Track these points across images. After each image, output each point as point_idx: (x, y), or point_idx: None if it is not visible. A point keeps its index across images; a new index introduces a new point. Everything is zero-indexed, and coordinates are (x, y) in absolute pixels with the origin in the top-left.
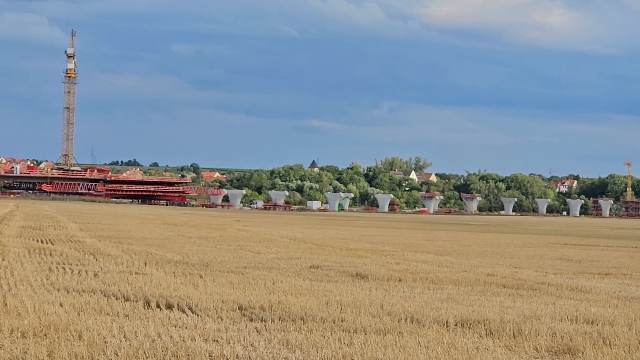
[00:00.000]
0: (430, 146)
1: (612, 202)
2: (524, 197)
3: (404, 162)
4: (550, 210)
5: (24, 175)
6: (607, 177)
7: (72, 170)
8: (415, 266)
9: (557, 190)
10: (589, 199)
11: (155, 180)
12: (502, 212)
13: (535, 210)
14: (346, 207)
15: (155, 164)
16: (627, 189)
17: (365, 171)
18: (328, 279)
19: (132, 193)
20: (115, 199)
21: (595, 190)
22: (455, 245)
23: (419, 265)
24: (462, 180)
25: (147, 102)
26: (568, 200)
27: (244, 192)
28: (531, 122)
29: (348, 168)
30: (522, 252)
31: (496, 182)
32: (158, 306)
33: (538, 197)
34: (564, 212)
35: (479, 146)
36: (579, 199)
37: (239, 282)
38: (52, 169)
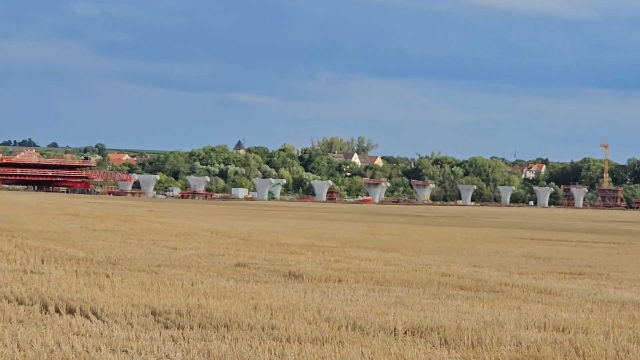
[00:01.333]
0: (375, 125)
1: (587, 191)
2: (485, 185)
3: (345, 143)
4: (515, 199)
5: None
6: (580, 161)
7: None
8: (358, 264)
9: (523, 176)
10: (560, 186)
11: (54, 163)
12: (459, 202)
13: (497, 200)
14: (277, 195)
15: (54, 145)
16: (604, 175)
17: (300, 153)
18: (256, 279)
19: (26, 178)
20: (7, 185)
21: (566, 176)
22: (404, 240)
23: (362, 264)
24: (412, 164)
25: (44, 72)
26: (535, 188)
27: (157, 177)
28: (493, 96)
29: (280, 150)
30: (483, 249)
31: (452, 167)
32: (57, 311)
33: (501, 185)
34: (531, 202)
35: (432, 125)
36: (547, 187)
37: (152, 282)
38: None
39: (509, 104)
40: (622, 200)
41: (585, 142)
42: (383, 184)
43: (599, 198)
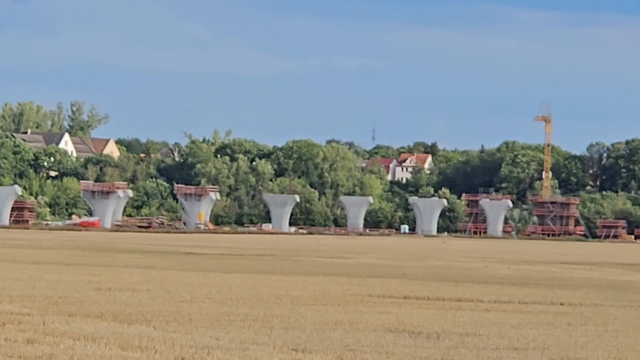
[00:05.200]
0: (102, 78)
1: (511, 204)
2: (316, 193)
3: (47, 115)
4: (374, 222)
5: None
6: (498, 149)
7: None
8: (71, 348)
9: (389, 177)
10: (460, 196)
11: None
12: (267, 227)
13: (339, 223)
14: None
15: None
16: (543, 173)
17: None
18: None
19: None
20: None
21: (472, 177)
22: (160, 299)
23: (78, 347)
24: (176, 154)
25: None
26: (413, 199)
27: None
28: (331, 24)
29: None
30: (311, 316)
31: (253, 161)
32: None
33: (347, 194)
34: (404, 227)
35: (215, 78)
36: (435, 197)
37: None
38: None
39: (363, 39)
40: (578, 223)
41: (508, 112)
42: (120, 192)
43: (535, 217)
